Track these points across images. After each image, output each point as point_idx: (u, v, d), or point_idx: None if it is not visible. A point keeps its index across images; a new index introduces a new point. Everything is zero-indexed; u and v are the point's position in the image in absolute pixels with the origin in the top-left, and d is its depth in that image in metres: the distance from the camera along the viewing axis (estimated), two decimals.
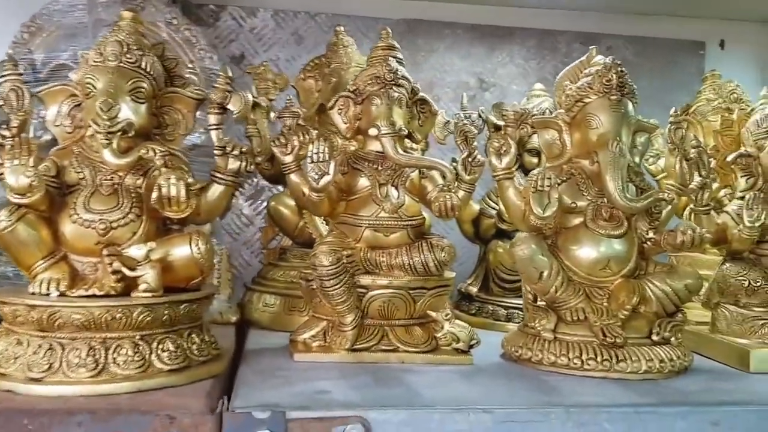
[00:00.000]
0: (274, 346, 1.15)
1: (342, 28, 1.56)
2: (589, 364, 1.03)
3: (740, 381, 1.05)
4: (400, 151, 1.11)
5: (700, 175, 1.22)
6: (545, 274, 1.08)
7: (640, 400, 0.91)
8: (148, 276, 0.93)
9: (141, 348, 0.91)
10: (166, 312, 0.93)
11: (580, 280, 1.11)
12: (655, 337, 1.06)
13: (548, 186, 1.08)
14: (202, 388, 0.90)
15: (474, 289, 1.49)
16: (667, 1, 1.87)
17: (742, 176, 1.24)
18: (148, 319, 0.92)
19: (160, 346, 0.93)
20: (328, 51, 1.51)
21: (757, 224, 1.16)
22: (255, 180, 1.75)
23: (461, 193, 1.13)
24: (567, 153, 1.17)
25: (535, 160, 1.42)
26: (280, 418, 0.79)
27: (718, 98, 1.61)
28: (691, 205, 1.25)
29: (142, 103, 1.02)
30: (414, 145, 1.23)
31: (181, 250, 0.98)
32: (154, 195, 0.96)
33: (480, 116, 1.27)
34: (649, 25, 1.96)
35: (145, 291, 0.93)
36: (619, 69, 1.14)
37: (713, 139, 1.36)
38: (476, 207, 1.52)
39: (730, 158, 1.25)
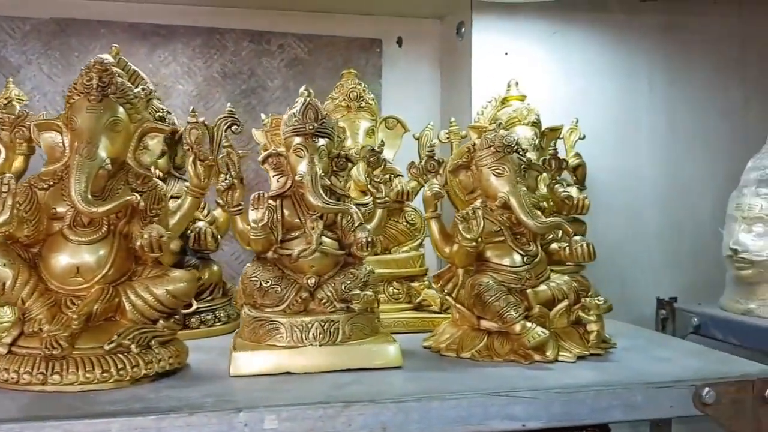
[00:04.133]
0: None
1: None
2: (24, 378, 0.98)
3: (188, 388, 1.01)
4: None
5: (231, 176, 1.21)
6: (8, 284, 1.03)
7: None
8: None
9: None
10: None
11: (57, 290, 1.06)
12: (106, 347, 1.02)
13: (5, 192, 1.02)
14: None
15: None
16: None
17: (274, 176, 1.22)
18: None
19: None
20: None
21: (260, 225, 1.14)
22: None
23: None
24: (66, 156, 1.12)
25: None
26: None
27: (339, 96, 1.60)
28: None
29: None
30: None
31: None
32: None
33: None
34: (323, 23, 1.94)
35: None
36: (104, 69, 1.10)
37: (262, 137, 1.34)
38: None
39: (260, 158, 1.23)
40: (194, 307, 1.41)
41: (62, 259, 1.06)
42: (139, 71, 1.22)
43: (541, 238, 1.27)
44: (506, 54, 1.81)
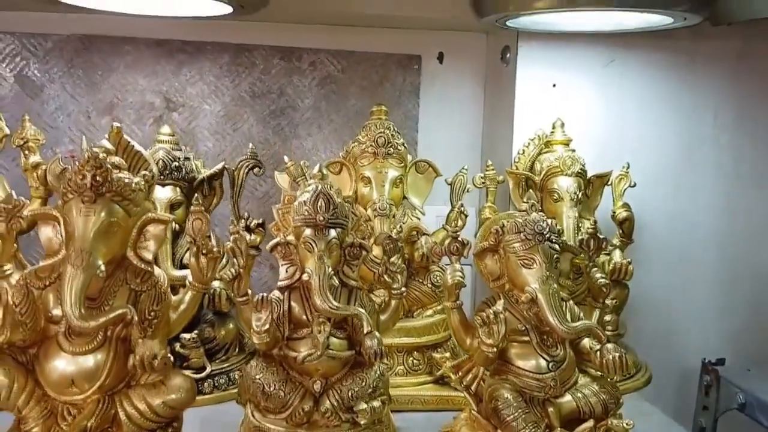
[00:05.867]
0: None
1: None
2: None
3: None
4: None
5: (238, 266, 1.14)
6: (3, 393, 1.01)
7: None
8: None
9: None
10: None
11: (55, 398, 1.04)
12: None
13: None
14: None
15: None
16: (378, 12, 1.71)
17: (282, 264, 1.15)
18: None
19: None
20: None
21: (263, 330, 1.07)
22: None
23: None
24: (63, 251, 1.07)
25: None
26: None
27: (366, 140, 1.50)
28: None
29: None
30: None
31: None
32: None
33: None
34: (357, 38, 1.80)
35: None
36: (98, 166, 1.01)
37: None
38: None
39: (268, 247, 1.15)
40: (208, 371, 1.38)
41: (57, 369, 1.02)
42: (143, 152, 1.13)
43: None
44: (554, 86, 1.65)
